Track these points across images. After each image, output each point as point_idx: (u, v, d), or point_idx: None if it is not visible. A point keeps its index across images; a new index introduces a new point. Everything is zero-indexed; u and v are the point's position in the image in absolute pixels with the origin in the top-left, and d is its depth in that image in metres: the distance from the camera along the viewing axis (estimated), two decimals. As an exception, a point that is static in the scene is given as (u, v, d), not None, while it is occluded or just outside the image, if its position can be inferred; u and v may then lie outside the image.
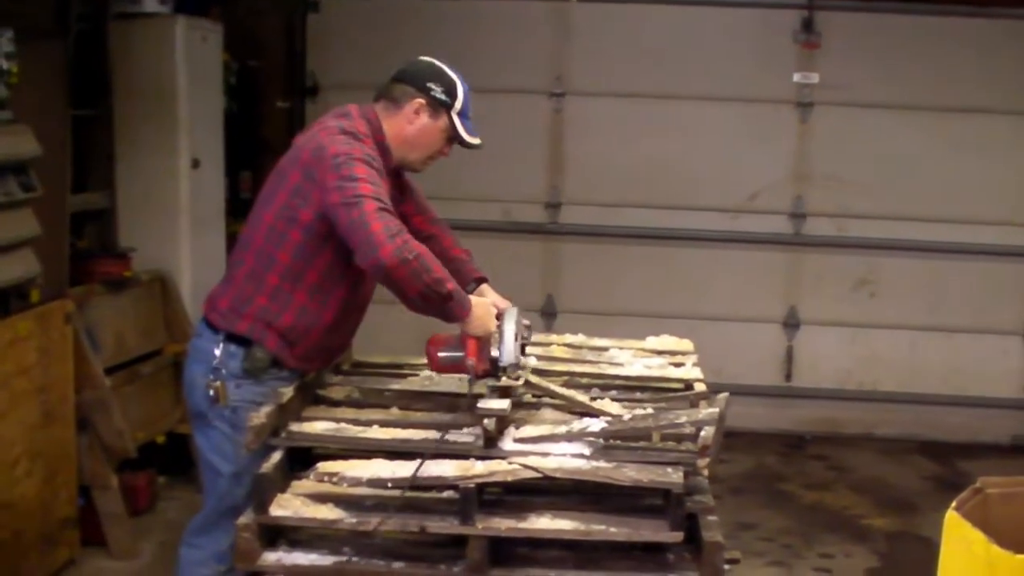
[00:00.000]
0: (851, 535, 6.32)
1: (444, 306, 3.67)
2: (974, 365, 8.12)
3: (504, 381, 3.73)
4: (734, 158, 8.00)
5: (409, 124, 3.97)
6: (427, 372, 4.30)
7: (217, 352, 3.91)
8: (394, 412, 3.84)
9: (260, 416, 3.55)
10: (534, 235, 8.14)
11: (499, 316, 3.83)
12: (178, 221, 6.49)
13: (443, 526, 3.36)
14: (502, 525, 3.35)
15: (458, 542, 3.41)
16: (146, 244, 6.36)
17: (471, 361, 3.76)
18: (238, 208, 7.48)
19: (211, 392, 3.91)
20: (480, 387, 3.79)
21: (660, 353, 4.50)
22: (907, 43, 7.88)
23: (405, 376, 4.31)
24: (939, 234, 7.97)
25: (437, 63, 4.04)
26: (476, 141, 4.05)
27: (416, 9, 7.94)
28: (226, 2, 7.41)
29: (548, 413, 3.81)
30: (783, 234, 8.07)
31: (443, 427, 3.69)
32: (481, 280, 4.26)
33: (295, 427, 3.69)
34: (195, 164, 6.53)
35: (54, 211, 5.46)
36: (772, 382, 8.17)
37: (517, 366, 3.76)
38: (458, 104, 3.97)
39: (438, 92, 3.95)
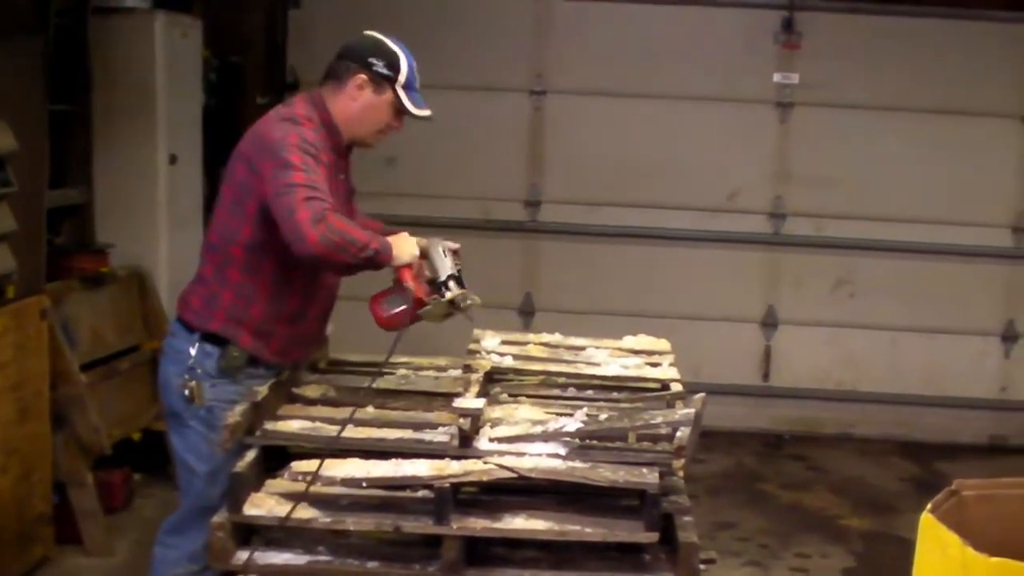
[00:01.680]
0: (828, 535, 6.33)
1: (373, 262, 3.70)
2: (953, 366, 8.14)
3: (449, 294, 3.77)
4: (714, 157, 8.01)
5: (353, 101, 3.96)
6: (403, 371, 4.31)
7: (192, 351, 3.91)
8: (369, 411, 3.83)
9: (235, 415, 3.54)
10: (513, 233, 8.12)
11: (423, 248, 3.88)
12: (156, 217, 6.47)
13: (418, 526, 3.35)
14: (477, 525, 3.34)
15: (433, 542, 3.40)
16: (123, 240, 6.34)
17: (410, 285, 3.77)
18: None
19: (186, 392, 3.90)
20: (437, 307, 3.79)
21: (637, 353, 4.49)
22: (887, 44, 7.90)
23: (381, 375, 4.30)
24: (918, 235, 7.99)
25: (380, 36, 4.03)
26: (425, 112, 4.02)
27: (397, 5, 7.92)
28: (206, -3, 7.39)
29: (525, 412, 3.81)
30: (762, 234, 8.08)
31: (419, 426, 3.68)
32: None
33: (270, 426, 3.67)
34: (173, 160, 6.51)
35: (31, 207, 5.43)
36: (750, 381, 8.17)
37: (456, 277, 3.82)
38: (402, 77, 3.94)
39: (380, 67, 3.93)
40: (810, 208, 8.03)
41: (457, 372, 4.22)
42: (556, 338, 4.61)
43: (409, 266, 3.77)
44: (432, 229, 7.44)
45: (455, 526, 3.32)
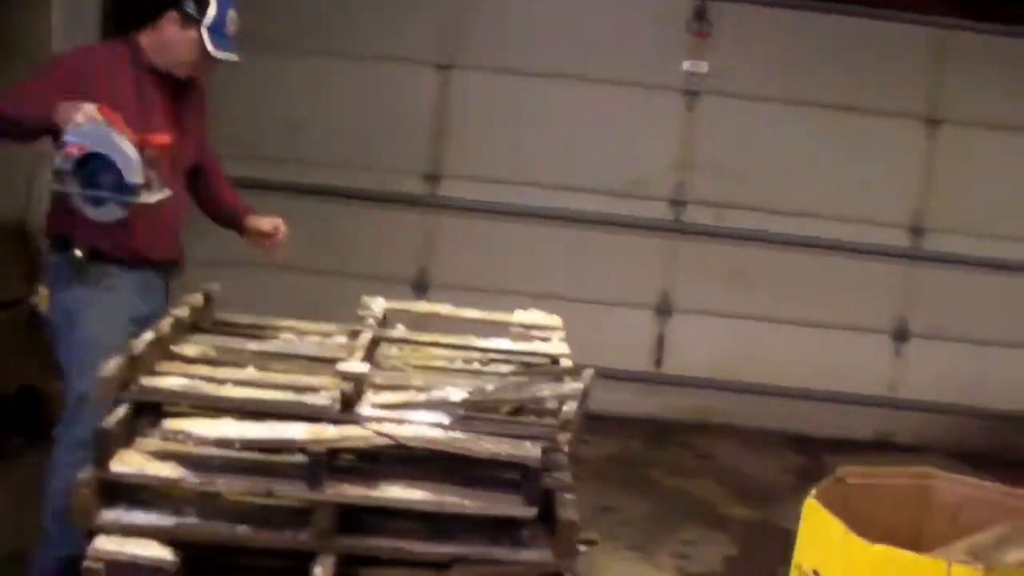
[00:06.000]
0: (711, 523, 6.31)
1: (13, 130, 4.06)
2: (844, 361, 8.16)
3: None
4: (620, 142, 7.95)
5: (161, 32, 4.29)
6: (288, 335, 4.22)
7: (51, 264, 4.27)
8: (250, 371, 3.72)
9: (110, 368, 3.41)
10: (412, 207, 8.00)
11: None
12: (36, 163, 6.24)
13: (290, 490, 3.26)
14: (352, 492, 3.26)
15: (307, 509, 3.31)
16: (2, 190, 6.11)
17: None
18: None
19: (35, 300, 4.26)
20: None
21: (528, 327, 4.43)
22: (797, 39, 7.91)
23: (266, 338, 4.20)
24: (817, 229, 8.00)
25: None
26: (225, 55, 4.31)
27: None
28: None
29: (410, 379, 3.72)
30: (662, 220, 8.04)
31: (300, 389, 3.57)
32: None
33: (146, 381, 3.55)
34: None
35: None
36: (642, 368, 8.14)
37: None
38: (208, 19, 4.26)
39: (189, 7, 4.25)
40: (711, 197, 8.01)
41: (343, 339, 4.13)
42: (447, 309, 4.53)
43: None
44: (333, 198, 7.50)
45: (329, 492, 3.24)
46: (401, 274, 7.84)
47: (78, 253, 4.12)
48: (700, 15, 7.91)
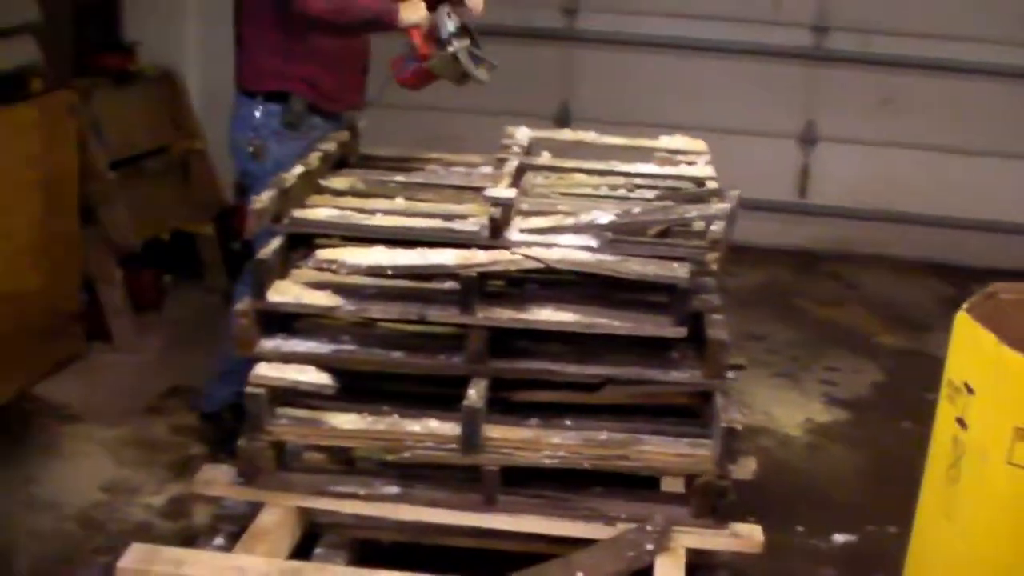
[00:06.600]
0: (860, 351, 6.26)
1: (379, 24, 4.16)
2: (994, 189, 7.94)
3: (451, 48, 4.12)
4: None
5: None
6: (433, 167, 4.26)
7: (257, 113, 4.24)
8: (398, 202, 3.77)
9: (261, 200, 3.48)
10: (550, 41, 7.92)
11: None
12: (185, 14, 6.31)
13: (443, 314, 3.32)
14: (503, 315, 3.30)
15: (458, 334, 3.37)
16: (152, 38, 6.19)
17: (416, 43, 4.16)
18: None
19: (251, 149, 4.23)
20: (443, 61, 4.15)
21: (673, 152, 4.39)
22: None
23: (411, 169, 4.24)
24: (966, 53, 7.73)
25: None
26: None
27: None
28: None
29: (556, 204, 3.73)
30: (804, 47, 7.85)
31: (448, 216, 3.61)
32: None
33: (298, 213, 3.62)
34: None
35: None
36: (787, 198, 8.03)
37: (457, 32, 4.16)
38: None
39: None
40: (855, 22, 7.78)
41: (489, 168, 4.15)
42: (591, 136, 4.50)
43: (417, 27, 4.14)
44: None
45: (481, 316, 3.29)
46: (542, 109, 7.78)
47: (298, 107, 4.21)
48: None
